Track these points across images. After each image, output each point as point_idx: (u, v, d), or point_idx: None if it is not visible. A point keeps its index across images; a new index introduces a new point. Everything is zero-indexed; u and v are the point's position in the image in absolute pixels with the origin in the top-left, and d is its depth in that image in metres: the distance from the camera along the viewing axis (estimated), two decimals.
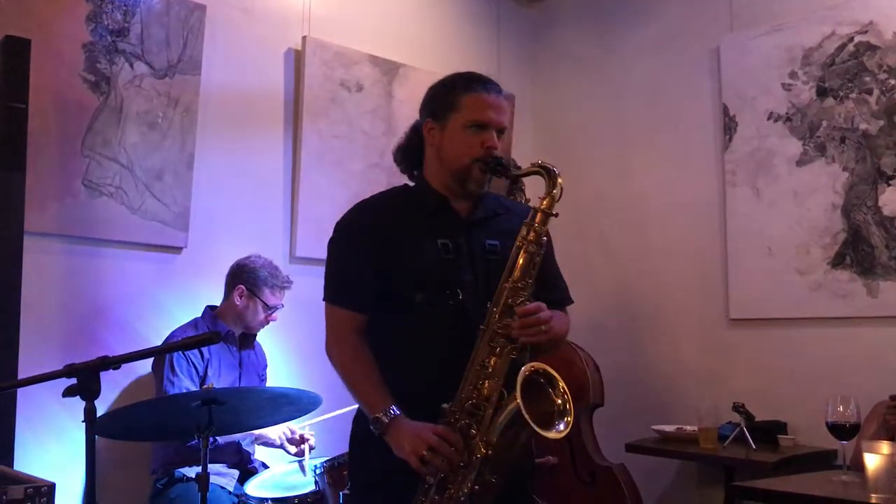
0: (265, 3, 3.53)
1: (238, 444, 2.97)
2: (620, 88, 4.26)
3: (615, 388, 3.67)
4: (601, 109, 4.33)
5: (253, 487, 2.79)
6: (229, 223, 3.32)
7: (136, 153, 3.08)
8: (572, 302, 2.12)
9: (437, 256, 1.89)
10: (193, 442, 2.77)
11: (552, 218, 1.88)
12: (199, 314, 3.06)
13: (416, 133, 2.04)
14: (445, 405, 1.78)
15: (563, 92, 4.53)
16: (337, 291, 1.97)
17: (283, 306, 3.08)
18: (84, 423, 1.70)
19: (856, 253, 3.37)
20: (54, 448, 2.80)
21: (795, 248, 3.52)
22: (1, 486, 1.85)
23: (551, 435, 1.72)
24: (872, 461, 2.21)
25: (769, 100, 3.64)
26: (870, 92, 3.37)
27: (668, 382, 3.92)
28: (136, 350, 1.89)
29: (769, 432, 3.35)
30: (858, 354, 3.30)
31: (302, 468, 2.96)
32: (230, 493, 2.81)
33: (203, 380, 2.89)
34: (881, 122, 3.33)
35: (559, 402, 1.76)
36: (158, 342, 3.00)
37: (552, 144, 4.54)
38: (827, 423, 2.48)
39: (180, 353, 2.84)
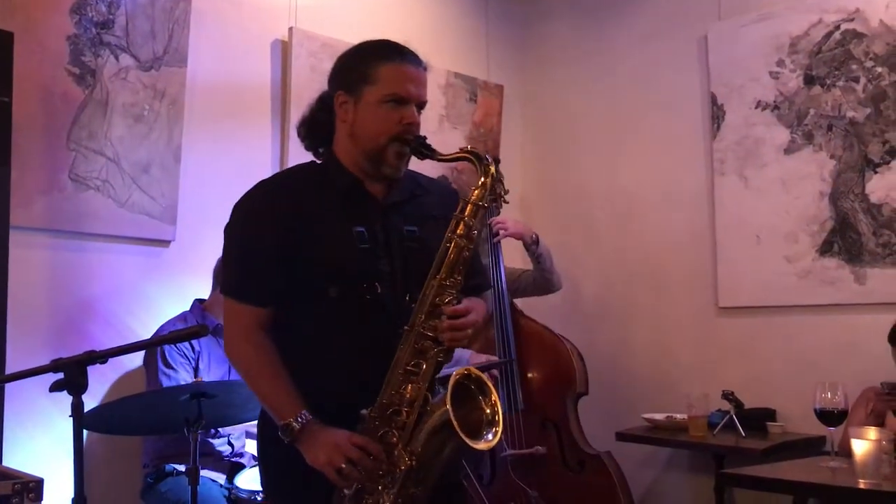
0: None
1: (221, 454, 2.95)
2: (609, 77, 4.25)
3: (605, 377, 3.68)
4: (590, 99, 4.33)
5: (244, 481, 2.78)
6: (217, 216, 3.24)
7: (122, 146, 3.06)
8: (490, 287, 2.01)
9: (352, 245, 1.70)
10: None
11: (484, 209, 1.71)
12: (188, 307, 3.04)
13: (324, 105, 1.82)
14: (365, 411, 1.63)
15: (551, 82, 4.52)
16: (237, 284, 1.76)
17: None
18: (72, 418, 1.69)
19: (843, 240, 3.38)
20: (42, 443, 2.78)
21: (783, 236, 3.54)
22: None
23: (479, 445, 1.59)
24: (860, 447, 2.23)
25: (757, 88, 3.65)
26: (857, 80, 3.38)
27: (658, 371, 3.93)
28: (123, 344, 1.88)
29: (758, 419, 3.37)
30: (846, 341, 3.32)
31: None
32: (221, 486, 2.81)
33: (195, 373, 2.88)
34: (868, 110, 3.34)
35: (488, 411, 1.63)
36: (147, 336, 2.99)
37: (541, 134, 4.55)
38: (815, 410, 2.50)
39: (173, 346, 2.82)
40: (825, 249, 3.43)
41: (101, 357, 1.71)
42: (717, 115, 3.77)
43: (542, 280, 3.56)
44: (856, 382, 2.79)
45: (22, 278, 2.75)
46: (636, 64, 4.14)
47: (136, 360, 2.99)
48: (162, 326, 2.96)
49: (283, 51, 3.57)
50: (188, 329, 1.87)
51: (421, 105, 1.77)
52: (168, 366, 2.81)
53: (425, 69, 1.79)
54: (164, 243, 3.18)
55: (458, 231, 1.67)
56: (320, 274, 1.71)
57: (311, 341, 1.73)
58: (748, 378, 3.56)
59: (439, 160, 1.75)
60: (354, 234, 1.72)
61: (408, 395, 1.63)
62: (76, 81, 2.95)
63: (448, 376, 1.63)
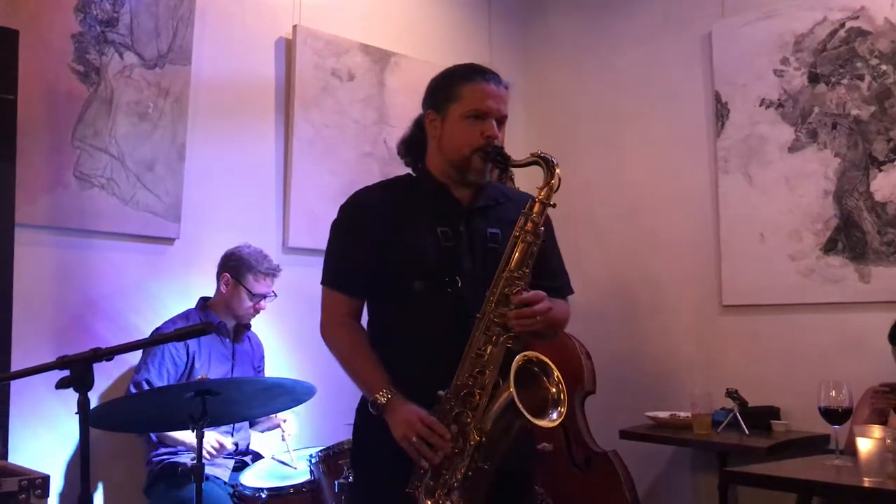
0: None
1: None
2: (613, 75, 4.25)
3: (609, 375, 3.68)
4: (593, 96, 4.33)
5: (248, 477, 2.79)
6: (221, 214, 3.31)
7: (126, 144, 3.06)
8: (573, 292, 2.12)
9: (436, 244, 1.89)
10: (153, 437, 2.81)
11: (549, 208, 1.89)
12: (192, 305, 3.05)
13: (418, 126, 2.04)
14: (441, 392, 1.78)
15: (555, 79, 4.52)
16: (335, 275, 1.97)
17: (274, 295, 3.05)
18: (78, 415, 1.69)
19: (848, 239, 3.38)
20: (48, 440, 2.79)
21: (788, 234, 3.53)
22: None
23: (544, 423, 1.73)
24: (865, 445, 2.23)
25: (761, 86, 3.64)
26: (861, 78, 3.37)
27: (662, 369, 3.93)
28: (128, 341, 1.88)
29: (762, 417, 3.36)
30: (851, 339, 3.32)
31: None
32: (225, 483, 2.82)
33: (189, 372, 2.88)
34: (872, 108, 3.34)
35: (553, 390, 1.76)
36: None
37: (544, 132, 4.54)
38: (819, 408, 2.49)
39: (161, 347, 2.83)
40: (829, 247, 3.42)
41: (107, 354, 1.71)
42: (721, 112, 3.77)
43: None
44: (860, 381, 2.78)
45: (27, 276, 2.76)
46: (640, 62, 4.14)
47: (139, 356, 2.99)
48: (163, 324, 2.97)
49: (288, 49, 3.57)
50: (193, 326, 1.88)
51: (501, 119, 1.95)
52: (144, 364, 2.83)
53: (506, 87, 1.99)
54: (169, 241, 3.19)
55: (527, 227, 1.85)
56: (406, 269, 1.89)
57: (398, 331, 1.92)
58: (752, 376, 3.55)
59: (512, 167, 1.94)
60: (439, 233, 1.91)
61: (480, 378, 1.78)
62: (81, 79, 2.96)
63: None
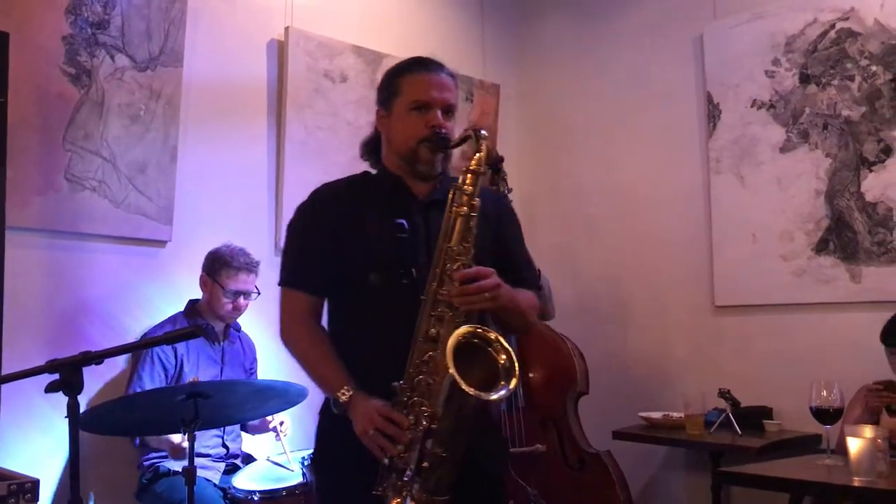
0: None
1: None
2: (605, 76, 4.26)
3: (602, 375, 3.68)
4: (586, 98, 4.33)
5: (240, 480, 2.78)
6: (214, 216, 3.30)
7: (118, 146, 3.05)
8: (540, 287, 2.11)
9: (390, 235, 1.86)
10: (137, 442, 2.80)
11: (481, 175, 1.82)
12: (183, 308, 3.04)
13: (376, 126, 2.04)
14: (396, 383, 1.75)
15: (547, 80, 4.52)
16: (294, 274, 1.95)
17: (256, 292, 3.01)
18: (68, 419, 1.69)
19: (839, 239, 3.39)
20: (38, 443, 2.78)
21: (779, 235, 3.54)
22: None
23: (497, 396, 1.66)
24: (855, 445, 2.24)
25: (752, 87, 3.65)
26: (852, 78, 3.38)
27: (655, 369, 3.94)
28: (119, 344, 1.88)
29: (755, 418, 3.37)
30: (842, 339, 3.33)
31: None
32: (216, 485, 2.81)
33: (178, 376, 2.87)
34: (863, 109, 3.35)
35: (502, 358, 1.69)
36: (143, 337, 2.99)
37: (536, 133, 4.55)
38: (811, 408, 2.50)
39: (150, 353, 2.82)
40: (821, 248, 3.43)
41: (97, 358, 1.71)
42: (712, 113, 3.78)
43: (540, 307, 3.56)
44: (852, 380, 2.79)
45: (18, 279, 2.75)
46: (632, 63, 4.15)
47: (130, 360, 2.98)
48: (151, 329, 2.96)
49: (280, 50, 3.57)
50: (184, 329, 1.89)
51: (447, 108, 1.91)
52: (136, 371, 2.82)
53: (450, 75, 1.96)
54: (161, 243, 3.18)
55: (463, 199, 1.79)
56: (362, 262, 1.87)
57: (356, 326, 1.90)
58: (744, 376, 3.56)
59: (450, 148, 1.91)
60: (395, 225, 1.87)
61: (432, 362, 1.73)
62: (72, 81, 2.95)
63: None
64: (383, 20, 3.97)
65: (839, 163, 3.41)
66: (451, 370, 1.61)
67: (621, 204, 4.15)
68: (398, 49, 3.93)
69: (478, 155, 1.81)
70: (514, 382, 1.68)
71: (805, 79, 3.51)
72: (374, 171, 2.04)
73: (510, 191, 3.71)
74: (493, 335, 1.71)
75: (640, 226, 4.07)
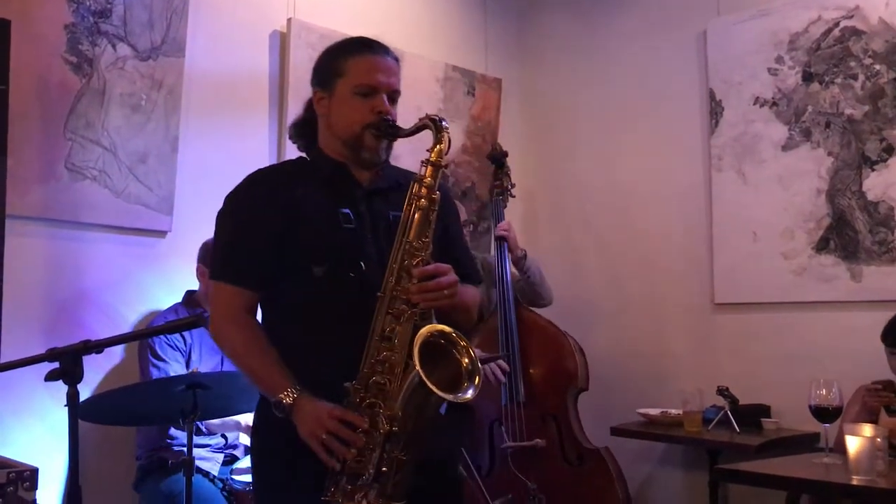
0: None
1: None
2: (607, 72, 4.25)
3: (600, 372, 3.68)
4: (588, 93, 4.33)
5: (238, 473, 2.78)
6: (214, 207, 3.22)
7: (119, 136, 3.04)
8: (481, 281, 2.05)
9: (336, 226, 1.76)
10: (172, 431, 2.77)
11: (441, 168, 1.74)
12: (181, 298, 3.04)
13: (309, 106, 1.92)
14: (348, 384, 1.64)
15: (550, 76, 4.52)
16: (226, 267, 1.80)
17: None
18: (67, 408, 1.68)
19: (840, 238, 3.39)
20: (37, 432, 2.78)
21: (780, 233, 3.54)
22: None
23: (460, 399, 1.60)
24: (854, 444, 2.24)
25: (755, 84, 3.65)
26: (855, 77, 3.38)
27: (653, 366, 3.94)
28: (119, 334, 1.88)
29: (753, 415, 3.38)
30: (842, 338, 3.33)
31: None
32: (214, 476, 2.81)
33: (188, 364, 2.87)
34: (866, 108, 3.35)
35: (466, 361, 1.63)
36: (142, 326, 2.99)
37: (539, 128, 4.54)
38: (810, 407, 2.50)
39: (163, 337, 2.81)
40: (821, 246, 3.43)
41: (97, 347, 1.71)
42: (715, 110, 3.77)
43: (529, 292, 3.57)
44: (851, 379, 2.79)
45: (17, 268, 2.74)
46: (635, 58, 4.14)
47: (129, 349, 2.98)
48: (153, 320, 2.95)
49: (282, 42, 3.56)
50: (185, 319, 1.88)
51: (392, 94, 1.83)
52: (158, 357, 2.80)
53: (395, 59, 1.87)
54: (161, 234, 3.17)
55: (421, 192, 1.71)
56: (305, 254, 1.75)
57: (298, 321, 1.77)
58: (743, 374, 3.56)
59: (404, 135, 1.80)
60: (340, 215, 1.77)
61: (388, 362, 1.64)
62: (73, 70, 2.94)
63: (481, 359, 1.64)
64: (386, 13, 3.95)
65: (841, 161, 3.40)
66: (418, 368, 1.55)
67: (622, 200, 4.15)
68: (400, 43, 3.89)
69: (438, 147, 1.73)
70: (477, 386, 1.61)
71: (808, 77, 3.50)
72: (307, 157, 1.94)
73: (513, 186, 3.71)
74: (459, 337, 1.65)
75: (641, 222, 4.06)
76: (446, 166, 1.76)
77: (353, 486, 1.61)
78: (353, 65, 1.81)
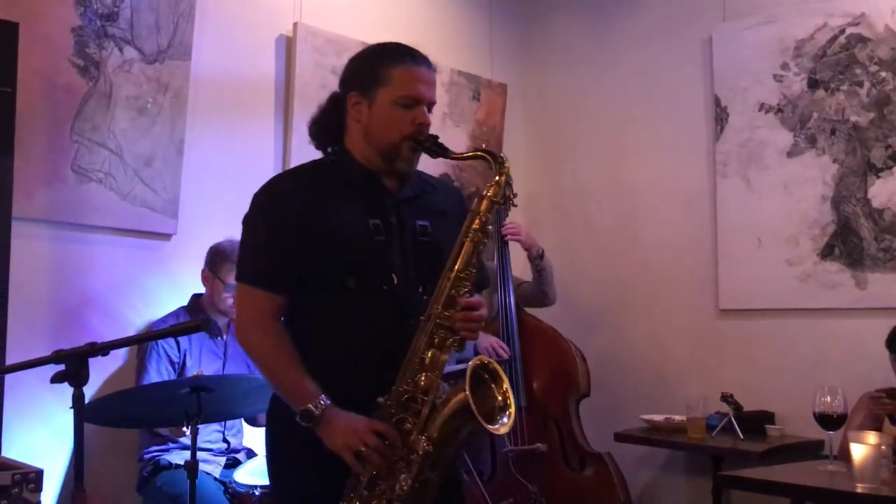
0: None
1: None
2: (612, 78, 4.25)
3: (604, 377, 3.68)
4: (593, 99, 4.33)
5: (242, 475, 2.78)
6: (219, 210, 3.29)
7: (125, 139, 3.05)
8: (489, 285, 2.10)
9: (368, 237, 1.76)
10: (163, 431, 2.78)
11: (498, 205, 1.80)
12: (187, 301, 3.04)
13: (335, 105, 1.88)
14: (381, 399, 1.68)
15: (555, 81, 4.52)
16: (254, 271, 1.79)
17: None
18: (72, 410, 1.69)
19: (845, 244, 3.38)
20: (42, 434, 2.78)
21: (785, 240, 3.54)
22: None
23: (496, 429, 1.67)
24: (859, 451, 2.23)
25: (761, 91, 3.65)
26: (861, 84, 3.38)
27: (657, 372, 3.93)
28: (124, 337, 1.88)
29: (757, 422, 3.37)
30: (846, 345, 3.33)
31: None
32: (216, 479, 2.81)
33: (182, 370, 2.87)
34: (871, 115, 3.34)
35: (500, 398, 1.70)
36: (146, 329, 2.99)
37: (543, 133, 4.54)
38: (814, 414, 2.50)
39: (155, 346, 2.82)
40: (826, 253, 3.43)
41: (103, 349, 1.72)
42: (720, 116, 3.77)
43: (539, 293, 3.58)
44: (855, 387, 2.79)
45: (23, 270, 2.75)
46: (640, 64, 4.14)
47: (131, 352, 2.99)
48: (155, 323, 2.96)
49: (288, 46, 3.57)
50: (188, 323, 1.89)
51: (430, 105, 1.83)
52: (142, 365, 2.81)
53: (435, 71, 1.87)
54: (166, 237, 3.18)
55: (475, 226, 1.74)
56: (338, 265, 1.75)
57: (327, 331, 1.78)
58: (747, 381, 3.56)
59: (453, 158, 1.82)
60: (371, 226, 1.77)
61: (423, 384, 1.68)
62: (80, 73, 2.95)
63: (455, 370, 1.71)
64: (391, 17, 3.96)
65: (846, 168, 3.40)
66: (468, 394, 1.60)
67: (627, 205, 4.15)
68: None
69: (496, 182, 1.77)
70: (511, 418, 1.68)
71: (814, 83, 3.50)
72: (331, 158, 1.91)
73: (515, 195, 3.70)
74: (502, 375, 1.71)
75: (646, 228, 4.06)
76: (503, 203, 1.80)
77: (370, 494, 1.65)
78: (396, 74, 1.79)
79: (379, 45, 1.88)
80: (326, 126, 1.89)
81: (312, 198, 1.79)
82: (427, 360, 1.68)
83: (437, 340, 1.69)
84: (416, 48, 1.85)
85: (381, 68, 1.80)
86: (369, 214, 1.78)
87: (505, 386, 1.71)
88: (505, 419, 1.68)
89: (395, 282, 1.76)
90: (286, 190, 1.84)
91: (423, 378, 1.68)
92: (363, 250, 1.76)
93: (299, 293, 1.79)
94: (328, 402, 1.68)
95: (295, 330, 1.80)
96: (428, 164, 2.01)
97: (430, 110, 1.83)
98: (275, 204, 1.81)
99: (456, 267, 1.71)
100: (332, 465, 1.66)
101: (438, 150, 1.78)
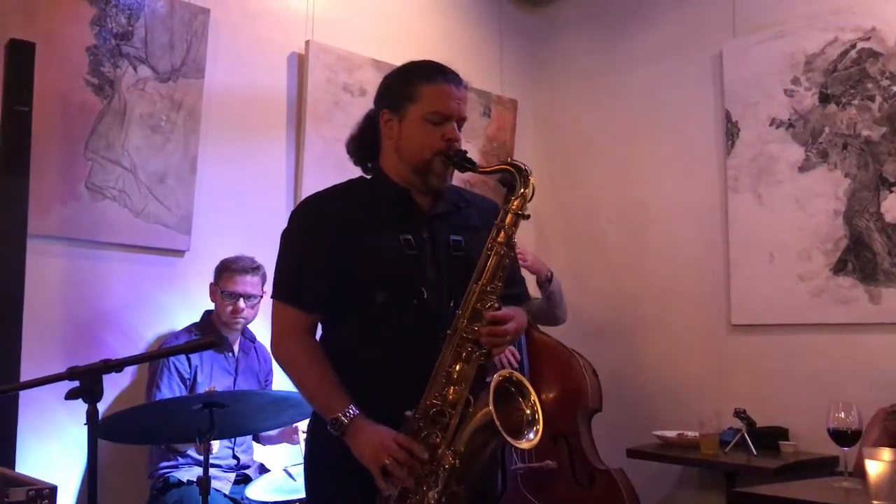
0: (269, 8, 3.54)
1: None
2: (622, 94, 4.26)
3: (617, 393, 3.67)
4: (603, 115, 4.34)
5: (254, 491, 2.78)
6: (232, 227, 3.32)
7: (139, 156, 3.08)
8: (529, 298, 2.09)
9: (399, 252, 1.79)
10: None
11: (523, 218, 1.80)
12: (199, 318, 3.06)
13: (370, 123, 1.93)
14: (409, 412, 1.70)
15: (565, 97, 4.53)
16: (288, 289, 1.84)
17: (259, 295, 2.97)
18: (86, 426, 1.70)
19: (857, 259, 3.37)
20: (56, 450, 2.79)
21: (797, 255, 3.52)
22: (3, 488, 1.85)
23: (522, 444, 1.69)
24: (874, 468, 2.21)
25: (771, 105, 3.65)
26: (872, 98, 3.37)
27: (670, 388, 3.91)
28: (137, 353, 1.89)
29: (770, 438, 3.35)
30: (860, 361, 3.30)
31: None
32: (225, 495, 2.81)
33: (193, 386, 2.88)
34: (883, 129, 3.34)
35: (528, 411, 1.72)
36: (159, 346, 3.01)
37: (554, 149, 4.55)
38: (828, 430, 2.47)
39: (167, 362, 2.83)
40: (839, 268, 3.41)
41: (117, 366, 1.72)
42: (731, 131, 3.77)
43: (548, 313, 3.56)
44: (870, 402, 2.76)
45: (38, 286, 2.78)
46: (650, 80, 4.15)
47: (141, 368, 3.00)
48: (167, 339, 2.98)
49: (300, 63, 3.60)
50: (202, 340, 1.90)
51: (461, 121, 1.87)
52: (156, 385, 2.82)
53: (466, 87, 1.89)
54: (179, 253, 3.20)
55: (499, 239, 1.76)
56: (369, 280, 1.79)
57: (358, 345, 1.81)
58: (760, 396, 3.53)
59: (480, 173, 1.87)
60: (402, 241, 1.80)
61: (450, 397, 1.70)
62: (95, 92, 2.98)
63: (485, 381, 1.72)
64: (402, 35, 3.99)
65: (858, 183, 3.39)
66: (492, 409, 1.62)
67: (638, 221, 4.14)
68: None
69: (521, 195, 1.78)
70: (538, 433, 1.69)
71: (825, 98, 3.50)
72: (367, 176, 1.96)
73: (527, 212, 3.71)
74: (528, 387, 1.73)
75: (657, 243, 4.06)
76: (528, 216, 1.80)
77: None
78: (427, 92, 1.83)
79: (411, 63, 1.93)
80: (362, 143, 1.94)
81: (345, 215, 1.83)
82: (454, 374, 1.71)
83: (464, 354, 1.72)
84: (394, 59, 1.91)
85: (411, 86, 1.84)
86: (401, 230, 1.81)
87: (532, 399, 1.72)
88: (531, 434, 1.69)
89: (426, 296, 1.78)
90: (320, 207, 1.88)
91: (450, 392, 1.70)
92: (392, 265, 1.79)
93: (332, 308, 1.83)
94: (357, 411, 1.71)
95: (328, 343, 1.85)
96: None
97: (460, 126, 1.86)
98: (308, 221, 1.87)
99: (481, 281, 1.74)
100: (367, 480, 1.69)
101: (467, 164, 1.81)
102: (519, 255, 3.44)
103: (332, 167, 3.62)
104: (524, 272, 3.53)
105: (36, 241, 2.79)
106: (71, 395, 1.70)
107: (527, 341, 3.41)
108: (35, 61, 2.75)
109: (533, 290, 3.69)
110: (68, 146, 2.92)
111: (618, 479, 3.27)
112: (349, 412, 1.71)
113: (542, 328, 3.55)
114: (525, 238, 3.73)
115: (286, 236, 1.89)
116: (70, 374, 1.71)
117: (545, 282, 3.50)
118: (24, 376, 2.59)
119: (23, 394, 2.61)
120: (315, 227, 1.85)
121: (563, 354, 3.45)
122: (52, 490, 1.84)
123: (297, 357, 1.83)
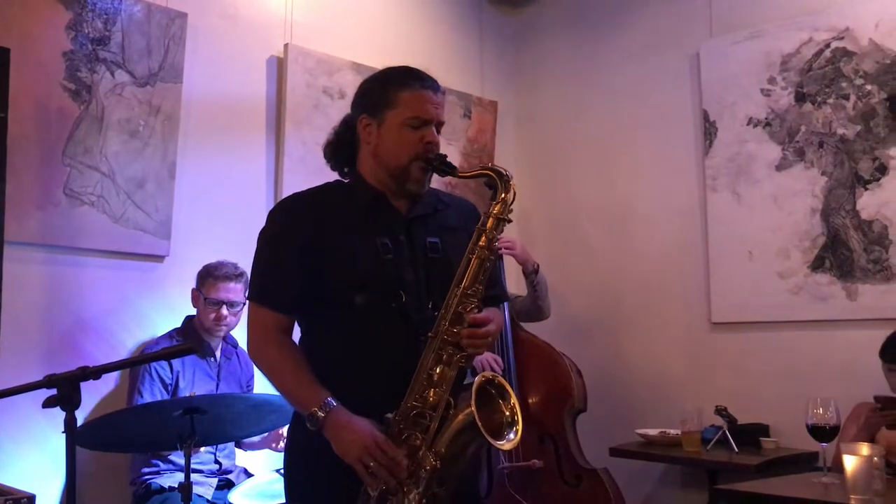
0: (247, 11, 3.53)
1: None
2: (602, 94, 4.28)
3: (598, 392, 3.68)
4: (583, 115, 4.36)
5: (236, 496, 2.77)
6: (212, 231, 3.31)
7: (117, 162, 3.06)
8: (508, 299, 2.11)
9: (376, 255, 1.79)
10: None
11: (506, 223, 1.82)
12: (180, 323, 3.04)
13: (347, 128, 1.94)
14: (389, 415, 1.71)
15: (545, 98, 4.55)
16: (263, 290, 1.85)
17: (242, 302, 2.94)
18: (64, 434, 1.69)
19: (835, 256, 3.40)
20: (35, 459, 2.77)
21: (776, 252, 3.56)
22: None
23: (503, 445, 1.70)
24: (851, 463, 2.23)
25: (749, 105, 3.68)
26: (847, 97, 3.41)
27: (651, 386, 3.94)
28: (116, 360, 1.88)
29: (751, 435, 3.37)
30: (838, 357, 3.34)
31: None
32: (208, 501, 2.80)
33: (175, 391, 2.86)
34: (858, 127, 3.37)
35: (507, 413, 1.73)
36: (139, 352, 2.99)
37: (534, 150, 4.57)
38: (807, 426, 2.50)
39: (148, 368, 2.81)
40: (817, 265, 3.45)
41: (95, 373, 1.71)
42: (709, 131, 3.80)
43: (533, 308, 3.58)
44: (848, 398, 2.79)
45: (16, 293, 2.75)
46: (629, 81, 4.17)
47: (123, 375, 2.98)
48: (147, 345, 2.96)
49: (279, 67, 3.59)
50: (181, 346, 1.88)
51: (439, 125, 1.88)
52: (137, 390, 2.81)
53: (443, 93, 1.92)
54: (159, 258, 3.18)
55: (481, 242, 1.77)
56: (346, 283, 1.79)
57: (336, 348, 1.81)
58: (741, 393, 3.56)
59: (460, 177, 1.89)
60: (379, 244, 1.80)
61: (431, 400, 1.71)
62: (72, 97, 2.96)
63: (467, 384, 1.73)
64: (382, 37, 3.99)
65: (835, 181, 3.43)
66: (474, 410, 1.63)
67: (618, 221, 4.17)
68: (396, 65, 3.95)
69: (501, 199, 1.79)
70: (517, 434, 1.70)
71: (801, 97, 3.53)
72: (344, 180, 1.96)
73: (511, 211, 3.72)
74: (509, 390, 1.74)
75: (637, 243, 4.08)
76: (510, 220, 1.81)
77: None
78: (405, 97, 1.84)
79: (388, 68, 1.94)
80: (339, 148, 1.95)
81: (322, 220, 1.84)
82: (435, 376, 1.72)
83: (444, 357, 1.73)
84: (374, 63, 1.92)
85: (389, 92, 1.85)
86: (377, 233, 1.82)
87: (513, 401, 1.73)
88: (512, 435, 1.71)
89: (405, 299, 1.78)
90: (295, 209, 1.89)
91: (431, 394, 1.71)
92: (370, 268, 1.79)
93: (310, 310, 1.84)
94: (334, 404, 1.71)
95: (308, 346, 1.86)
96: None
97: (438, 131, 1.87)
98: (284, 225, 1.87)
99: (462, 284, 1.75)
100: (346, 480, 1.69)
101: (447, 168, 1.82)
102: (507, 245, 3.46)
103: (313, 170, 3.61)
104: (512, 261, 3.57)
105: (14, 247, 2.76)
106: (48, 403, 1.69)
107: (514, 342, 3.42)
108: (10, 67, 2.72)
109: (519, 284, 3.70)
110: (46, 152, 2.90)
111: (604, 479, 3.29)
112: (326, 405, 1.71)
113: (529, 328, 3.56)
114: (510, 235, 3.73)
115: (262, 237, 1.90)
116: (47, 382, 1.70)
117: (532, 272, 3.52)
118: (2, 384, 2.55)
119: (1, 402, 2.58)
120: (290, 228, 1.85)
121: (551, 355, 3.47)
122: (31, 499, 1.83)
123: (272, 356, 1.83)
